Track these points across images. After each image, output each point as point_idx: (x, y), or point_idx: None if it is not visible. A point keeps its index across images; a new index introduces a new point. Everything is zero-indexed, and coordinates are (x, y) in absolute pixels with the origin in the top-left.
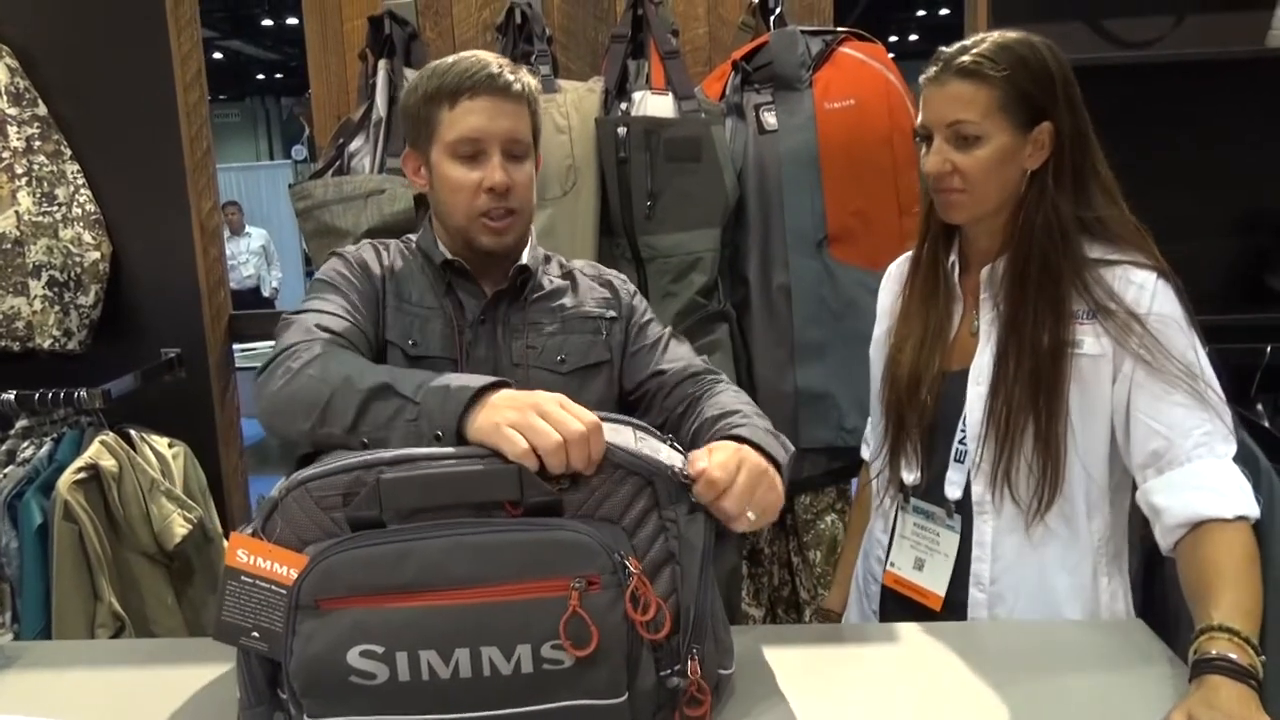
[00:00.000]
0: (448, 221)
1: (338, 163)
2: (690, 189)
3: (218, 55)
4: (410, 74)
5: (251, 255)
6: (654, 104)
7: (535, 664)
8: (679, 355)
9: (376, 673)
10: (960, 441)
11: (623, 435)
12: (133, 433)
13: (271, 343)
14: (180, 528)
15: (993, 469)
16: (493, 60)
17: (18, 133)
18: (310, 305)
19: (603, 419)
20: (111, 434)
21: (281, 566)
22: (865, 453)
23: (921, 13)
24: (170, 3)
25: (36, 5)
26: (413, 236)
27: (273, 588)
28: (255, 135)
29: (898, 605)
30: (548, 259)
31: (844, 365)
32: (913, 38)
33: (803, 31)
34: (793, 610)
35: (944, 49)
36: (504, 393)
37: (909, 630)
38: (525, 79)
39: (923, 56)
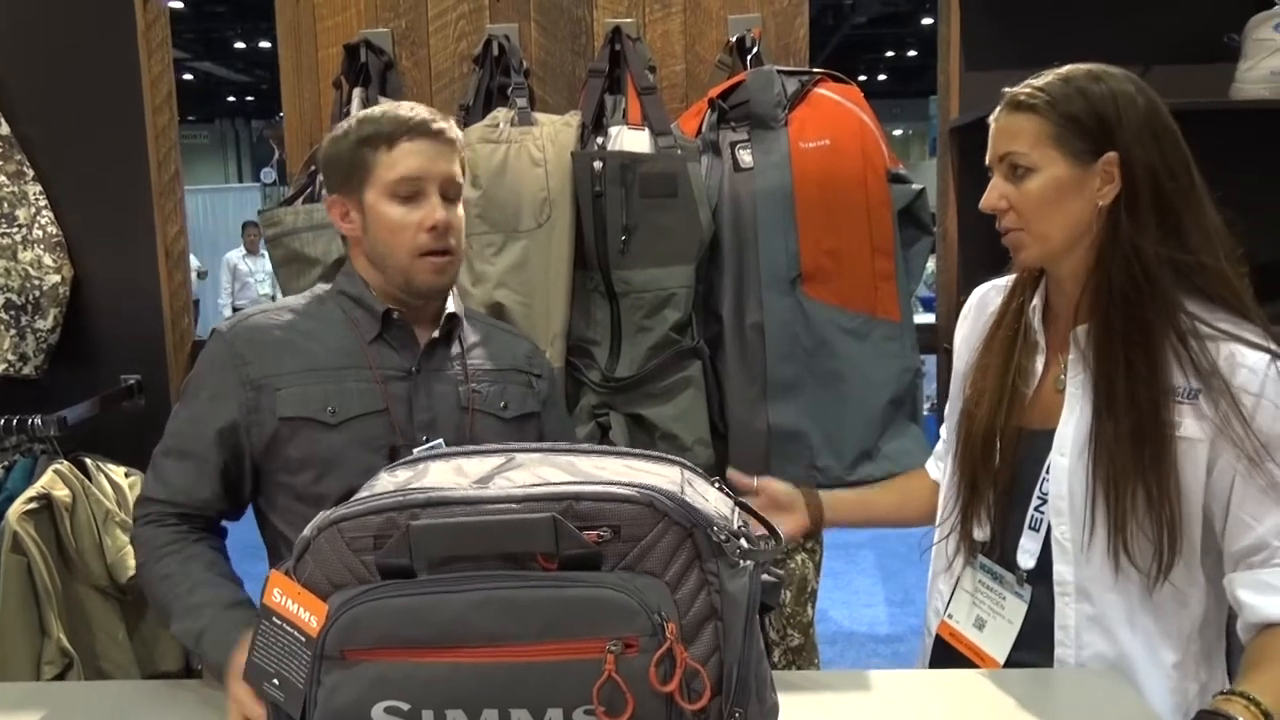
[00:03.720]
0: (387, 262)
1: (309, 190)
2: (665, 224)
3: (188, 76)
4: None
5: (268, 275)
6: (630, 139)
7: None
8: (564, 432)
9: None
10: (1037, 509)
11: (668, 478)
12: (88, 461)
13: None
14: (134, 560)
15: (1110, 544)
16: (422, 108)
17: None
18: (167, 446)
19: (650, 456)
20: (66, 463)
21: (307, 613)
22: (932, 469)
23: (890, 54)
24: (142, 25)
25: (2, 23)
26: (325, 286)
27: (296, 634)
28: (224, 157)
29: (948, 661)
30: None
31: (816, 404)
32: (881, 78)
33: (779, 71)
34: None
35: (1009, 88)
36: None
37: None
38: (455, 128)
39: (891, 97)
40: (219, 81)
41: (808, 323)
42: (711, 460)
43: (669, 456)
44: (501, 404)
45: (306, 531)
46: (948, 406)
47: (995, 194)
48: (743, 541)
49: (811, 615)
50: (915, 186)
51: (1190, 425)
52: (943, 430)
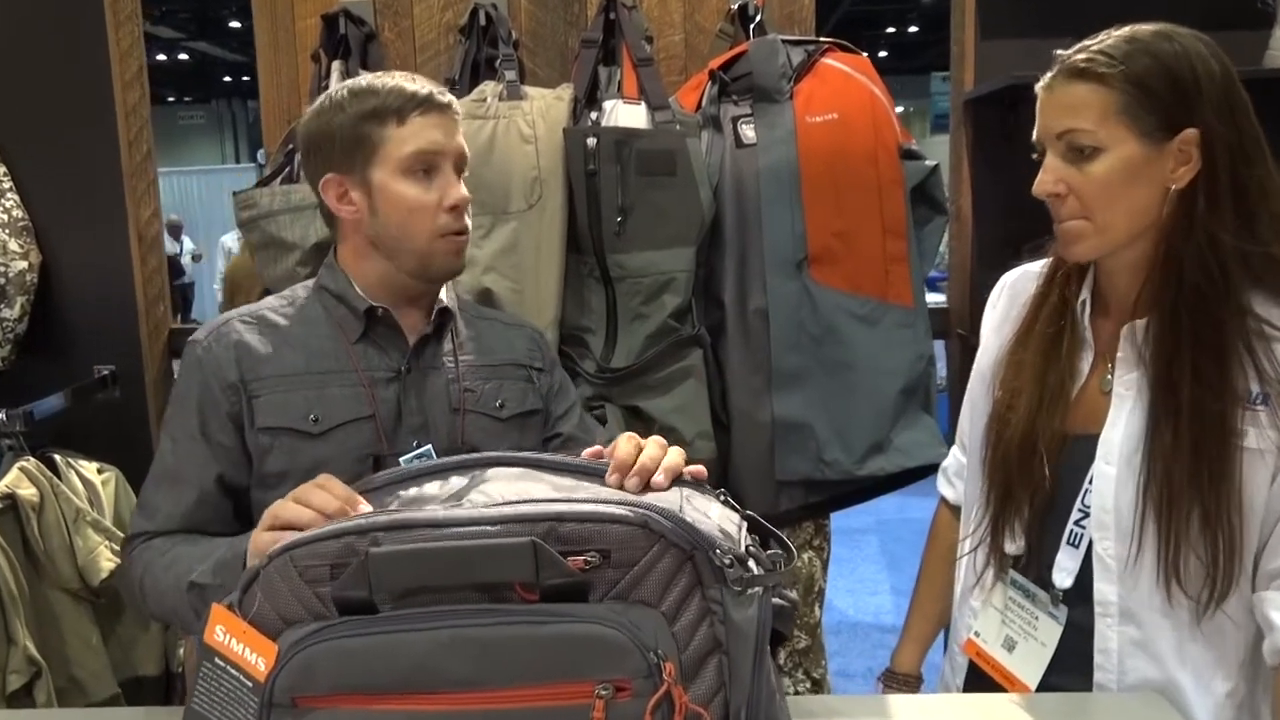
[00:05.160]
0: (402, 246)
1: (286, 170)
2: (663, 205)
3: (184, 56)
4: None
5: None
6: (626, 114)
7: None
8: (592, 431)
9: None
10: (1077, 523)
11: (663, 495)
12: (57, 458)
13: None
14: (108, 561)
15: (1159, 566)
16: (421, 78)
17: None
18: (155, 476)
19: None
20: (33, 460)
21: (254, 654)
22: (944, 487)
23: (891, 30)
24: None
25: None
26: (306, 285)
27: (242, 679)
28: (221, 138)
29: (982, 684)
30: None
31: (823, 394)
32: (882, 54)
33: (783, 41)
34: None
35: (1062, 50)
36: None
37: (998, 704)
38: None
39: (892, 74)
40: (215, 61)
41: (815, 308)
42: (713, 454)
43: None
44: (497, 403)
45: (255, 561)
46: (966, 403)
47: (1051, 178)
48: (751, 564)
49: (819, 616)
50: (929, 163)
51: (1255, 435)
52: (962, 423)
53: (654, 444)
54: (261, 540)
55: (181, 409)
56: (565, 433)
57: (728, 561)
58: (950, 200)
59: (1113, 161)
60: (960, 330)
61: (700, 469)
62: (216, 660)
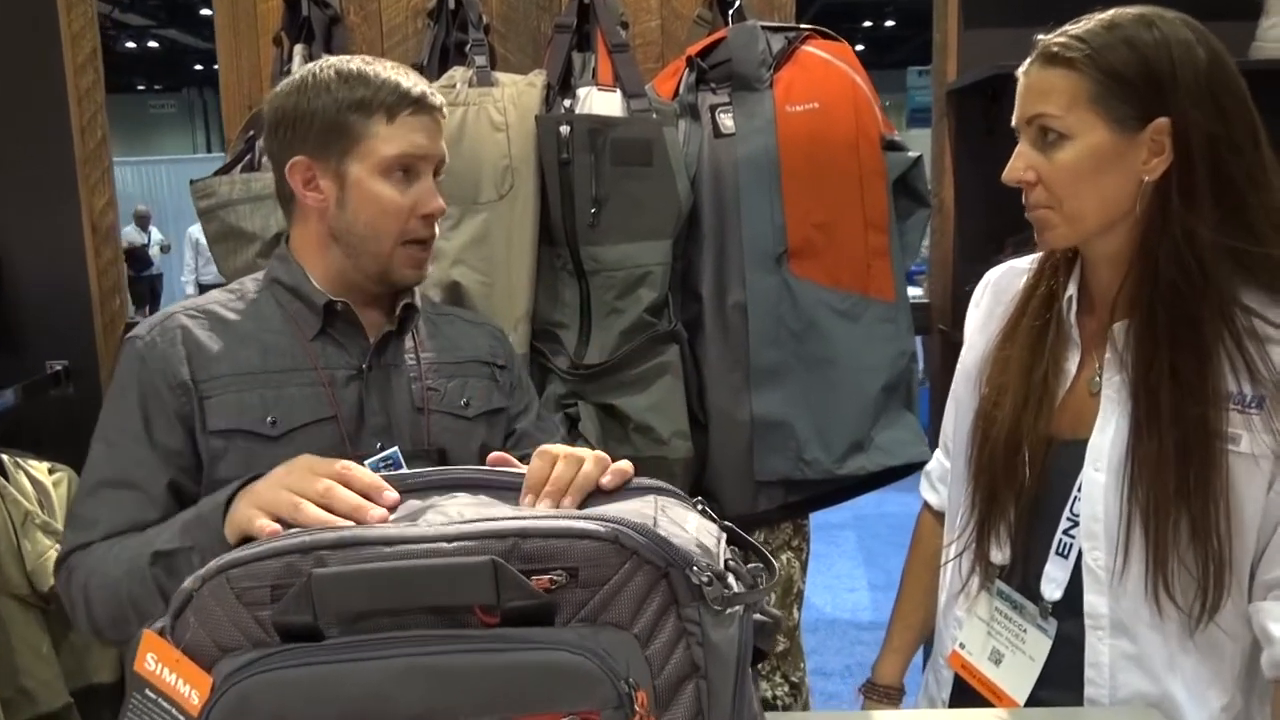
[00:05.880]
0: (365, 246)
1: (247, 157)
2: (639, 196)
3: (154, 44)
4: None
5: None
6: (600, 101)
7: None
8: (550, 430)
9: None
10: (1066, 532)
11: (635, 504)
12: (4, 458)
13: None
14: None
15: (1147, 578)
16: (411, 73)
17: None
18: (91, 485)
19: (627, 487)
20: None
21: (187, 686)
22: (927, 491)
23: (868, 24)
24: None
25: None
26: (257, 277)
27: (174, 712)
28: (191, 127)
29: (968, 697)
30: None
31: (804, 391)
32: (859, 48)
33: (763, 27)
34: None
35: (1043, 35)
36: (257, 482)
37: None
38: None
39: (869, 68)
40: (185, 49)
41: (794, 303)
42: (690, 454)
43: (646, 485)
44: (463, 401)
45: (188, 582)
46: (950, 404)
47: (1021, 164)
48: (731, 580)
49: (798, 618)
50: (911, 154)
51: (1248, 439)
52: (945, 425)
53: (566, 461)
54: (245, 519)
55: (120, 410)
56: (521, 429)
57: (706, 579)
58: (932, 193)
59: (1080, 149)
60: (941, 325)
61: (623, 467)
62: (147, 691)
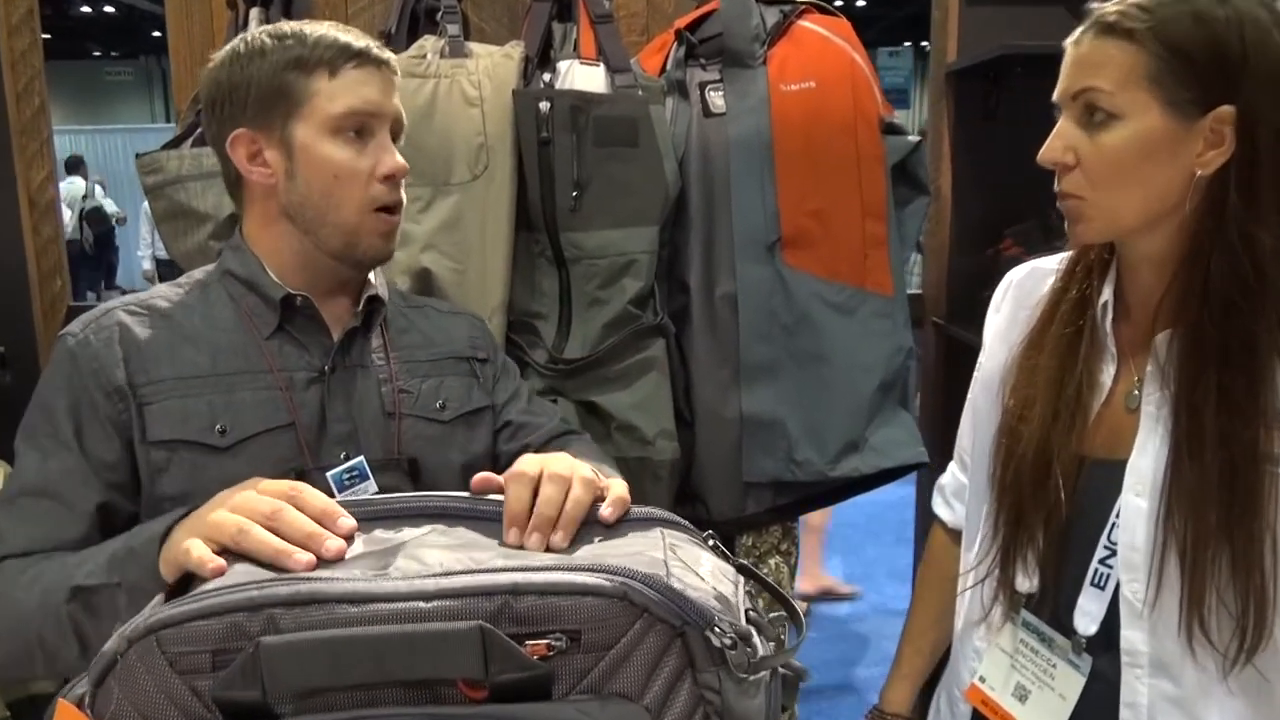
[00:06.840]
0: (326, 218)
1: (198, 130)
2: (624, 178)
3: (110, 9)
4: None
5: None
6: (583, 76)
7: None
8: (544, 412)
9: None
10: (1102, 561)
11: (641, 544)
12: None
13: None
14: None
15: (1181, 616)
16: (352, 29)
17: None
18: (17, 486)
19: (627, 519)
20: None
21: None
22: (940, 508)
23: (838, 2)
24: None
25: None
26: (209, 269)
27: None
28: (150, 96)
29: None
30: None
31: (796, 388)
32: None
33: (757, 0)
34: None
35: (1097, 3)
36: (197, 512)
37: None
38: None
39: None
40: (143, 15)
41: (787, 295)
42: (677, 455)
43: (648, 512)
44: (438, 403)
45: (111, 643)
46: (967, 415)
47: (1060, 143)
48: (756, 642)
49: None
50: (912, 138)
51: None
52: (961, 438)
53: (551, 483)
54: (182, 550)
55: (48, 415)
56: (513, 420)
57: (729, 641)
58: (929, 179)
59: (1129, 133)
60: (936, 318)
61: (621, 494)
62: None
